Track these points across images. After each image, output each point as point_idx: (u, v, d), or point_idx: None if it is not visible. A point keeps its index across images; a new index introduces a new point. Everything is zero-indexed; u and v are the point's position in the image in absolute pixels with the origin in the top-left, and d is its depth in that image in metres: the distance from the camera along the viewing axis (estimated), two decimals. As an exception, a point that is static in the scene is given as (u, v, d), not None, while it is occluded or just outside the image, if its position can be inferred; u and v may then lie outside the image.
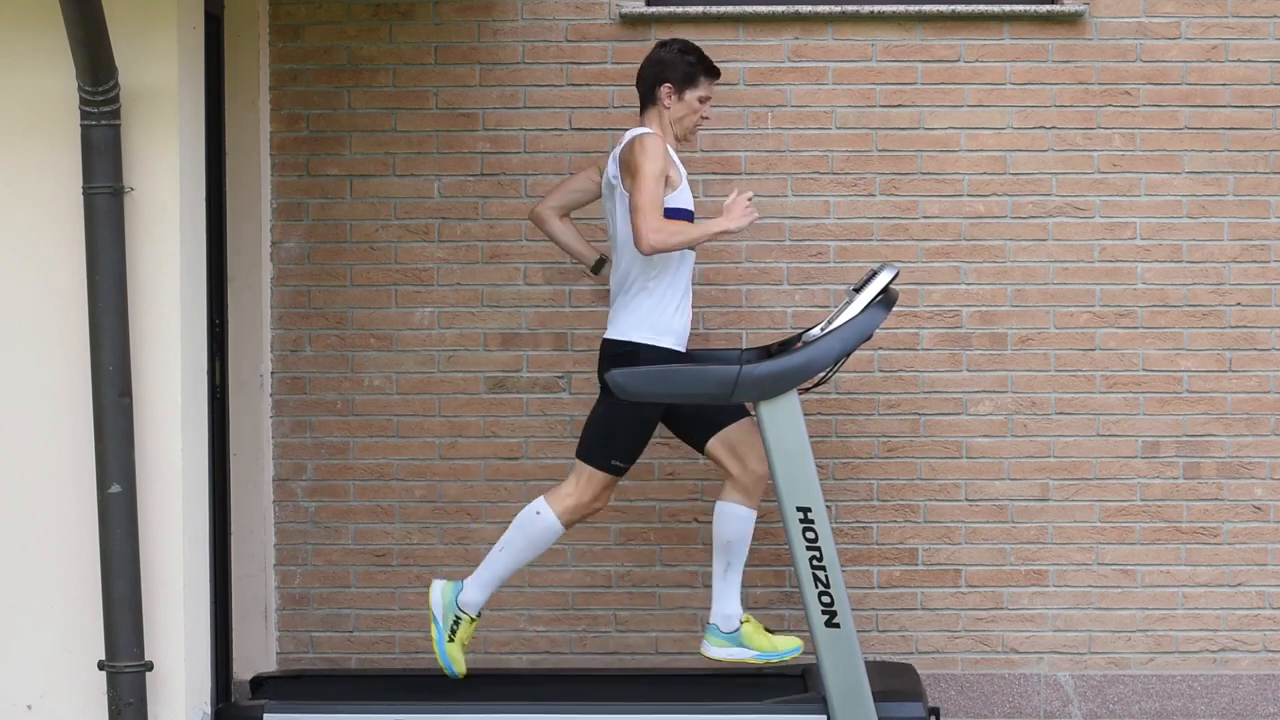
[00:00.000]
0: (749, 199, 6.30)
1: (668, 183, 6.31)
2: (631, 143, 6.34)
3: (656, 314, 6.36)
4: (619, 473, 6.42)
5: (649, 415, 6.38)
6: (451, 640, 6.46)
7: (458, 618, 6.46)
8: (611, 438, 6.39)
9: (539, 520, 6.40)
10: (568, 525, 6.43)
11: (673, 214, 6.31)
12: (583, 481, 6.42)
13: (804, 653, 6.99)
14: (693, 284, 6.58)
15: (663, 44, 6.54)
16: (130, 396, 5.64)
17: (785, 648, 6.47)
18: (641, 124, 6.49)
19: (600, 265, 6.78)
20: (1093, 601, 7.11)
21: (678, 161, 6.40)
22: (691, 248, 6.38)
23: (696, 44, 6.56)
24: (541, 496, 6.45)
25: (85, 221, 5.61)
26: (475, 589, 6.47)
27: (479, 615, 6.49)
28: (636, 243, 6.24)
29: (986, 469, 7.11)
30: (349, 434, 7.16)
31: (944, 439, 7.10)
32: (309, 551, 7.19)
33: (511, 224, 7.12)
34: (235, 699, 6.79)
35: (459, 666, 6.48)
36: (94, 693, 5.72)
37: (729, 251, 7.08)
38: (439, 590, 6.49)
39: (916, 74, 7.07)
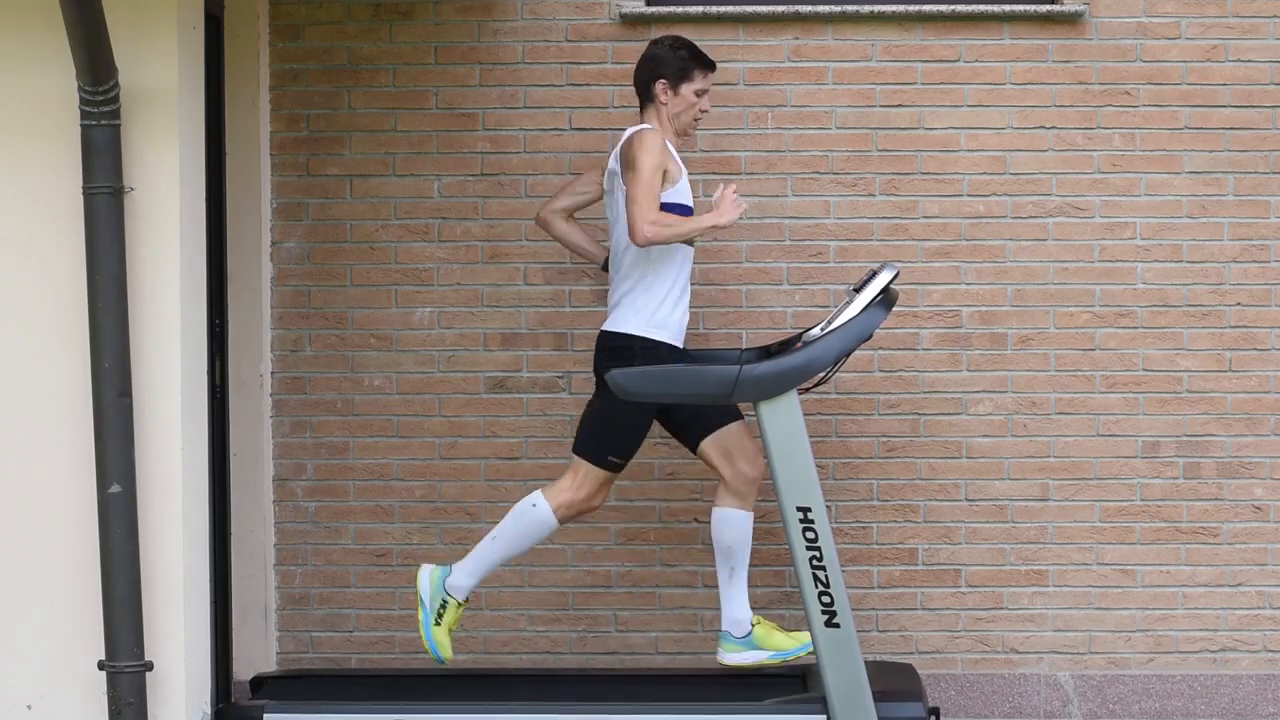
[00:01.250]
0: (735, 191, 6.30)
1: (666, 178, 6.32)
2: (631, 138, 6.35)
3: (654, 309, 6.36)
4: (615, 469, 6.41)
5: (645, 412, 6.38)
6: (438, 624, 6.43)
7: (445, 601, 6.43)
8: (608, 434, 6.39)
9: (534, 513, 6.39)
10: (562, 521, 6.42)
11: (672, 209, 6.32)
12: (579, 477, 6.41)
13: (807, 651, 7.00)
14: (693, 284, 6.58)
15: (655, 41, 6.55)
16: (130, 396, 5.64)
17: (799, 644, 6.47)
18: (641, 122, 6.50)
19: (609, 263, 6.78)
20: (1093, 601, 7.11)
21: (677, 158, 6.41)
22: (689, 242, 6.39)
23: (690, 39, 6.57)
24: (540, 489, 6.44)
25: (85, 221, 5.60)
26: (464, 574, 6.44)
27: (467, 600, 6.46)
28: (631, 234, 6.24)
29: (986, 469, 7.10)
30: (349, 434, 7.16)
31: (944, 439, 7.09)
32: (309, 551, 7.19)
33: (511, 224, 7.11)
34: (235, 699, 6.78)
35: (444, 652, 6.44)
36: (94, 693, 5.71)
37: (729, 251, 7.08)
38: (426, 574, 6.47)
39: (916, 74, 7.07)
